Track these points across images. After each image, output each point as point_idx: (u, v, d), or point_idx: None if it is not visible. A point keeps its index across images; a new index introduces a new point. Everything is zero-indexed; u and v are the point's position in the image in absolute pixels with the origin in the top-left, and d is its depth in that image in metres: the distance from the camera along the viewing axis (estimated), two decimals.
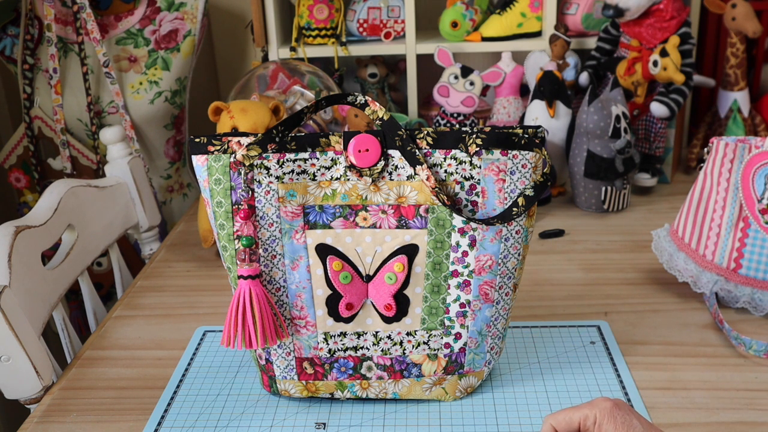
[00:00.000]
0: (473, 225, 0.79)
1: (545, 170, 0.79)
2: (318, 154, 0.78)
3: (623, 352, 0.94)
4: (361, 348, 0.83)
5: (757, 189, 0.99)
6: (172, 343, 1.01)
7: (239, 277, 0.79)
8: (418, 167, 0.77)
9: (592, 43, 1.58)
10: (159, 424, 0.84)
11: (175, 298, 1.14)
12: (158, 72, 1.56)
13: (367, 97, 0.79)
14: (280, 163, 0.78)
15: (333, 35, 1.61)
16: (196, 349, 0.98)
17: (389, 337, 0.83)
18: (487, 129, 0.78)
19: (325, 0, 1.58)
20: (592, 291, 1.11)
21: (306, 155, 0.78)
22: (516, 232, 0.80)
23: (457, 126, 1.46)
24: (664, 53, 1.39)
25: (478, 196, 0.78)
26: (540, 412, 0.83)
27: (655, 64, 1.40)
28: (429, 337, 0.83)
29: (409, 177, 0.78)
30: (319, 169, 0.78)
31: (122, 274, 1.28)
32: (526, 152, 0.78)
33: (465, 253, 0.80)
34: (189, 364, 0.95)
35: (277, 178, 0.78)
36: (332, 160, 0.78)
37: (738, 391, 0.86)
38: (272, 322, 0.79)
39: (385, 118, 0.78)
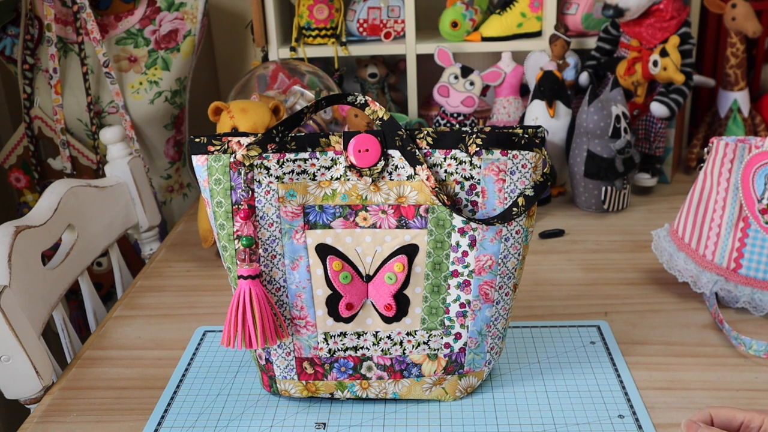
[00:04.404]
0: (473, 225, 0.79)
1: (545, 170, 0.79)
2: (318, 154, 0.78)
3: (623, 352, 0.94)
4: (361, 348, 0.83)
5: (757, 189, 0.99)
6: (172, 343, 1.01)
7: (239, 277, 0.79)
8: (418, 167, 0.77)
9: (592, 43, 1.58)
10: (159, 424, 0.84)
11: (175, 298, 1.14)
12: (158, 72, 1.56)
13: (367, 97, 0.79)
14: (280, 163, 0.78)
15: (333, 35, 1.61)
16: (196, 349, 0.98)
17: (389, 337, 0.83)
18: (487, 129, 0.78)
19: (325, 0, 1.58)
20: (592, 291, 1.11)
21: (306, 155, 0.78)
22: (516, 232, 0.80)
23: (457, 126, 1.46)
24: (664, 53, 1.39)
25: (478, 196, 0.78)
26: (540, 412, 0.83)
27: (655, 64, 1.40)
28: (429, 337, 0.83)
29: (409, 177, 0.78)
30: (319, 169, 0.78)
31: (122, 274, 1.28)
32: (526, 152, 0.78)
33: (465, 253, 0.80)
34: (189, 364, 0.95)
35: (277, 178, 0.78)
36: (332, 160, 0.78)
37: (738, 391, 0.86)
38: (272, 322, 0.79)
39: (385, 118, 0.78)
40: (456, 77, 1.46)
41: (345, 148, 0.77)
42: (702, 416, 0.66)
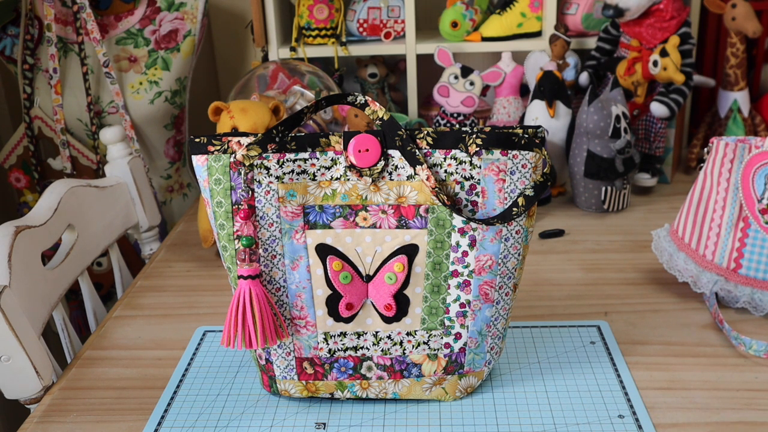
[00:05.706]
0: (473, 225, 0.79)
1: (545, 170, 0.79)
2: (318, 154, 0.78)
3: (623, 352, 0.94)
4: (361, 348, 0.83)
5: (757, 189, 0.99)
6: (172, 343, 1.01)
7: (239, 277, 0.79)
8: (418, 167, 0.77)
9: (592, 43, 1.58)
10: (159, 424, 0.84)
11: (175, 298, 1.14)
12: (158, 72, 1.56)
13: (367, 97, 0.79)
14: (280, 163, 0.78)
15: (333, 35, 1.61)
16: (196, 349, 0.98)
17: (389, 337, 0.83)
18: (487, 129, 0.78)
19: (325, 0, 1.58)
20: (592, 291, 1.11)
21: (306, 155, 0.78)
22: (516, 232, 0.80)
23: (457, 126, 1.46)
24: (664, 53, 1.39)
25: (478, 196, 0.78)
26: (540, 412, 0.83)
27: (655, 64, 1.40)
28: (429, 337, 0.83)
29: (409, 177, 0.78)
30: (319, 169, 0.78)
31: (122, 274, 1.28)
32: (526, 152, 0.78)
33: (465, 253, 0.80)
34: (189, 364, 0.95)
35: (277, 178, 0.78)
36: (332, 160, 0.78)
37: (738, 391, 0.86)
38: (272, 322, 0.79)
39: (385, 118, 0.78)
40: (456, 77, 1.46)
41: (345, 148, 0.77)
42: None
